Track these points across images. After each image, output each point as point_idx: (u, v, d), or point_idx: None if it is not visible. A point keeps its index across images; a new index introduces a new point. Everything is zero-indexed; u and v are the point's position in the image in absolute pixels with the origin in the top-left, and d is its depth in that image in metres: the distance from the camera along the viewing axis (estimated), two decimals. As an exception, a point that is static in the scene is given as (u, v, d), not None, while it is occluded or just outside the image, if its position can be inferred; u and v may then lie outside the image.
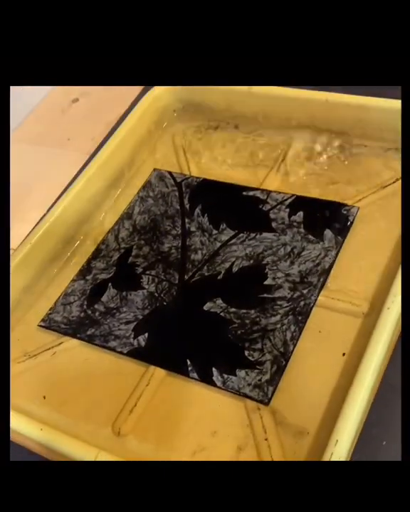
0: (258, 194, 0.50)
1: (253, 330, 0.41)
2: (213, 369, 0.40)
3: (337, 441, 0.32)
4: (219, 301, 0.43)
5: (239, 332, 0.41)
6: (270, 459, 0.36)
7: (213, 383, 0.39)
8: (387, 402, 0.36)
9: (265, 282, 0.44)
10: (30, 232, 0.50)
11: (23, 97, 0.69)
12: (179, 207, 0.51)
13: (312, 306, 0.41)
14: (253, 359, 0.40)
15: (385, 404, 0.36)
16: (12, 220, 0.53)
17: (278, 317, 0.41)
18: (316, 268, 0.43)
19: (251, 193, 0.50)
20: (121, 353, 0.42)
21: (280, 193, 0.49)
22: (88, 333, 0.44)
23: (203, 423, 0.38)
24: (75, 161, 0.61)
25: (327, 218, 0.46)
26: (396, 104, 0.45)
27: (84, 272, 0.49)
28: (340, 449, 0.32)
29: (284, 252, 0.45)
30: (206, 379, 0.40)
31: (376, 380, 0.35)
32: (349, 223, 0.45)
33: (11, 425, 0.37)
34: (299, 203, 0.48)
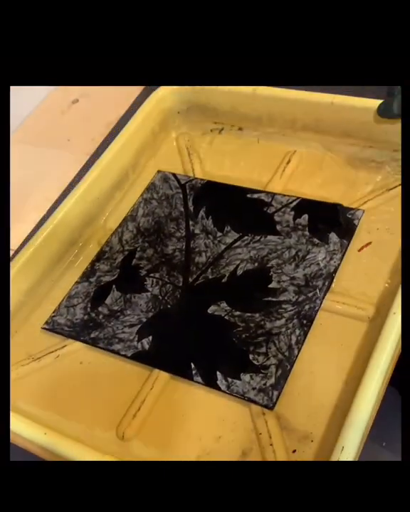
0: (262, 196, 0.49)
1: (257, 333, 0.41)
2: (218, 373, 0.40)
3: (343, 447, 0.32)
4: (224, 305, 0.43)
5: (244, 336, 0.41)
6: (274, 464, 0.36)
7: (217, 387, 0.39)
8: (387, 403, 0.36)
9: (270, 285, 0.43)
10: (31, 233, 0.50)
11: (23, 98, 0.69)
12: (183, 209, 0.51)
13: (317, 310, 0.41)
14: (257, 363, 0.40)
15: (385, 404, 0.35)
16: (12, 221, 0.53)
17: (283, 321, 0.41)
18: (321, 271, 0.43)
19: (256, 196, 0.50)
20: (125, 356, 0.42)
21: (284, 195, 0.49)
22: (92, 335, 0.44)
23: (207, 427, 0.38)
24: (75, 162, 0.61)
25: (332, 221, 0.46)
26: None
27: (87, 274, 0.48)
28: (346, 455, 0.32)
29: (289, 255, 0.45)
30: (211, 383, 0.39)
31: (383, 386, 0.34)
32: (354, 226, 0.45)
33: (14, 428, 0.37)
34: (303, 205, 0.48)
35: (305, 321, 0.41)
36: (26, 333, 0.46)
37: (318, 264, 0.44)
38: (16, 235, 0.54)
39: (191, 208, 0.51)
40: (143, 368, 0.42)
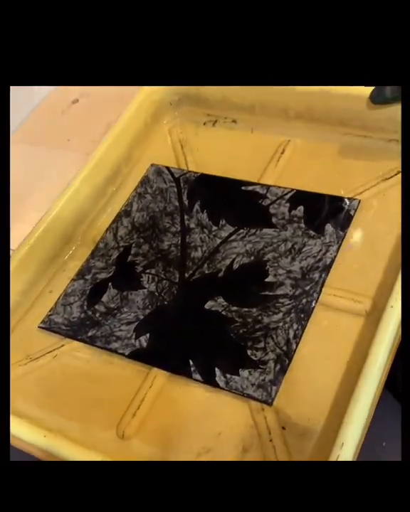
0: (257, 189, 0.49)
1: (255, 329, 0.41)
2: (216, 369, 0.40)
3: (342, 444, 0.32)
4: (220, 300, 0.43)
5: (241, 331, 0.41)
6: (275, 460, 0.36)
7: (216, 384, 0.39)
8: (387, 402, 0.36)
9: (267, 279, 0.43)
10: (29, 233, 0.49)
11: (23, 97, 0.69)
12: (177, 203, 0.50)
13: (315, 304, 0.41)
14: (255, 358, 0.40)
15: (385, 404, 0.35)
16: (12, 221, 0.52)
17: (280, 315, 0.41)
18: (317, 264, 0.43)
19: (250, 188, 0.49)
20: (123, 354, 0.42)
21: (279, 187, 0.48)
22: (89, 334, 0.44)
23: (207, 424, 0.38)
24: (75, 162, 0.61)
25: (328, 212, 0.45)
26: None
27: (83, 271, 0.48)
28: (346, 452, 0.32)
29: (285, 248, 0.45)
30: (209, 380, 0.39)
31: (381, 380, 0.34)
32: (350, 217, 0.45)
33: (14, 432, 0.37)
34: (299, 197, 0.47)
35: (302, 315, 0.41)
36: (23, 333, 0.46)
37: (314, 256, 0.43)
38: (16, 235, 0.53)
39: (186, 202, 0.50)
40: (142, 367, 0.41)
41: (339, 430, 0.32)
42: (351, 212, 0.45)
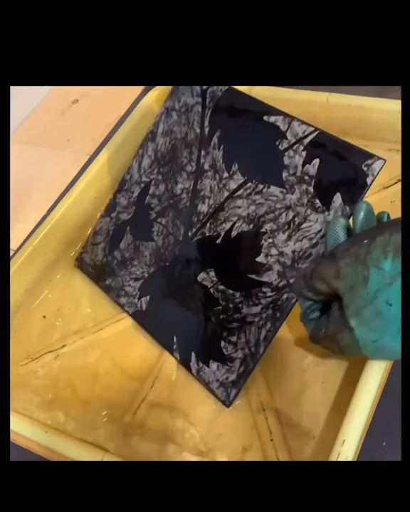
0: (278, 122, 0.40)
1: (233, 318, 0.39)
2: (192, 353, 0.40)
3: (344, 441, 0.31)
4: (212, 274, 0.41)
5: (221, 317, 0.40)
6: (275, 460, 0.36)
7: (189, 368, 0.40)
8: (387, 403, 0.34)
9: (257, 259, 0.39)
10: (31, 233, 0.50)
11: (23, 98, 0.68)
12: (198, 130, 0.44)
13: (294, 303, 0.37)
14: (226, 352, 0.39)
15: (385, 404, 0.34)
16: (12, 220, 0.55)
17: (259, 308, 0.38)
18: (310, 250, 0.37)
19: (272, 119, 0.40)
20: (127, 313, 0.45)
21: (302, 123, 0.39)
22: (107, 282, 0.47)
23: (208, 424, 0.39)
24: (75, 162, 0.61)
25: (343, 174, 0.36)
26: (396, 104, 0.44)
27: (109, 208, 0.49)
28: (347, 449, 0.31)
29: (285, 220, 0.38)
30: (185, 362, 0.41)
31: (382, 380, 0.32)
32: (364, 186, 0.35)
33: (15, 428, 0.38)
34: (318, 144, 0.38)
35: (278, 314, 0.37)
36: (25, 334, 0.47)
37: (310, 238, 0.37)
38: (16, 235, 0.55)
39: (206, 130, 0.44)
40: (143, 367, 0.42)
41: (340, 429, 0.32)
42: (368, 180, 0.35)
